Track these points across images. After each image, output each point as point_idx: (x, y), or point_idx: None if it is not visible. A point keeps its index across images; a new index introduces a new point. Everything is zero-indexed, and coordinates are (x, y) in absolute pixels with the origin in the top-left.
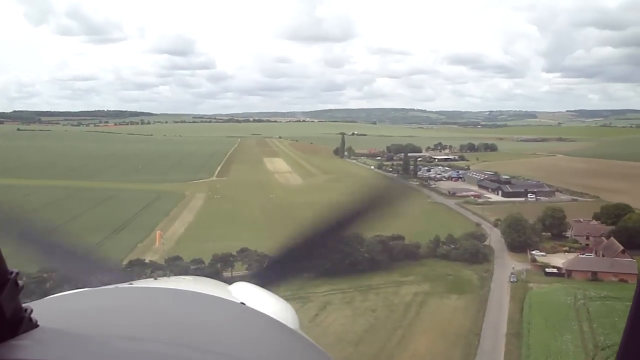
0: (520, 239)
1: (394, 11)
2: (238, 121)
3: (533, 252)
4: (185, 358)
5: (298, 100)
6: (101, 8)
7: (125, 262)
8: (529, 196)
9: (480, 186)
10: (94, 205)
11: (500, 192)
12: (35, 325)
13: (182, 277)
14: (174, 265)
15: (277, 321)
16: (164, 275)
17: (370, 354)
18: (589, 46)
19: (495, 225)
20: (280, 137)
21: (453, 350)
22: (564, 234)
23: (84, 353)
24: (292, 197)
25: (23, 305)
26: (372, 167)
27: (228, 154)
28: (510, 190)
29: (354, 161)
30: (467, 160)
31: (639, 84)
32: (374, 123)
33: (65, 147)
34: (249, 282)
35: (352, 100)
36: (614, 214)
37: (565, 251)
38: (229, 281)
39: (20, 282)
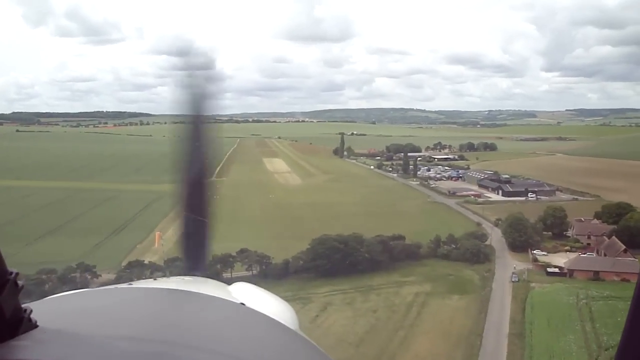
0: (521, 239)
1: (392, 11)
2: (237, 121)
3: (534, 251)
4: (185, 358)
5: (297, 101)
6: (100, 9)
7: (124, 263)
8: (529, 195)
9: (480, 185)
10: (94, 206)
11: (500, 192)
12: (35, 326)
13: (182, 277)
14: (174, 266)
15: (277, 321)
16: (164, 276)
17: (372, 355)
18: (588, 45)
19: (496, 225)
20: (279, 138)
21: (455, 351)
22: (565, 233)
23: (84, 353)
24: (292, 198)
25: (23, 305)
26: (372, 167)
27: (227, 154)
28: (511, 190)
29: (354, 161)
30: (467, 160)
31: (638, 83)
32: (373, 123)
33: (65, 148)
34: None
35: (351, 100)
36: (615, 213)
37: (567, 250)
38: (229, 282)
39: (19, 283)
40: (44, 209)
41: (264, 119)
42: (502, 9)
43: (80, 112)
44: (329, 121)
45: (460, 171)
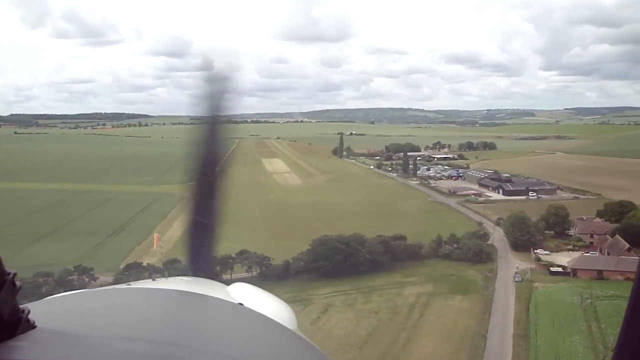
0: (523, 238)
1: (390, 11)
2: (236, 122)
3: (537, 251)
4: (183, 359)
5: (295, 101)
6: (98, 10)
7: (122, 265)
8: (530, 194)
9: (480, 185)
10: (92, 207)
11: (501, 191)
12: (33, 326)
13: (181, 277)
14: (172, 268)
15: (276, 322)
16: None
17: (375, 357)
18: (585, 44)
19: (498, 224)
20: (278, 138)
21: (459, 352)
22: (567, 232)
23: (82, 354)
24: (291, 198)
25: (20, 306)
26: (371, 167)
27: (226, 154)
28: (511, 189)
29: (353, 161)
30: (467, 159)
31: (636, 82)
32: (372, 123)
33: (63, 149)
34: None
35: (349, 100)
36: (617, 212)
37: (570, 249)
38: (229, 284)
39: (17, 283)
40: (42, 211)
41: (262, 120)
42: (500, 8)
43: (78, 114)
44: (327, 121)
45: (460, 170)
